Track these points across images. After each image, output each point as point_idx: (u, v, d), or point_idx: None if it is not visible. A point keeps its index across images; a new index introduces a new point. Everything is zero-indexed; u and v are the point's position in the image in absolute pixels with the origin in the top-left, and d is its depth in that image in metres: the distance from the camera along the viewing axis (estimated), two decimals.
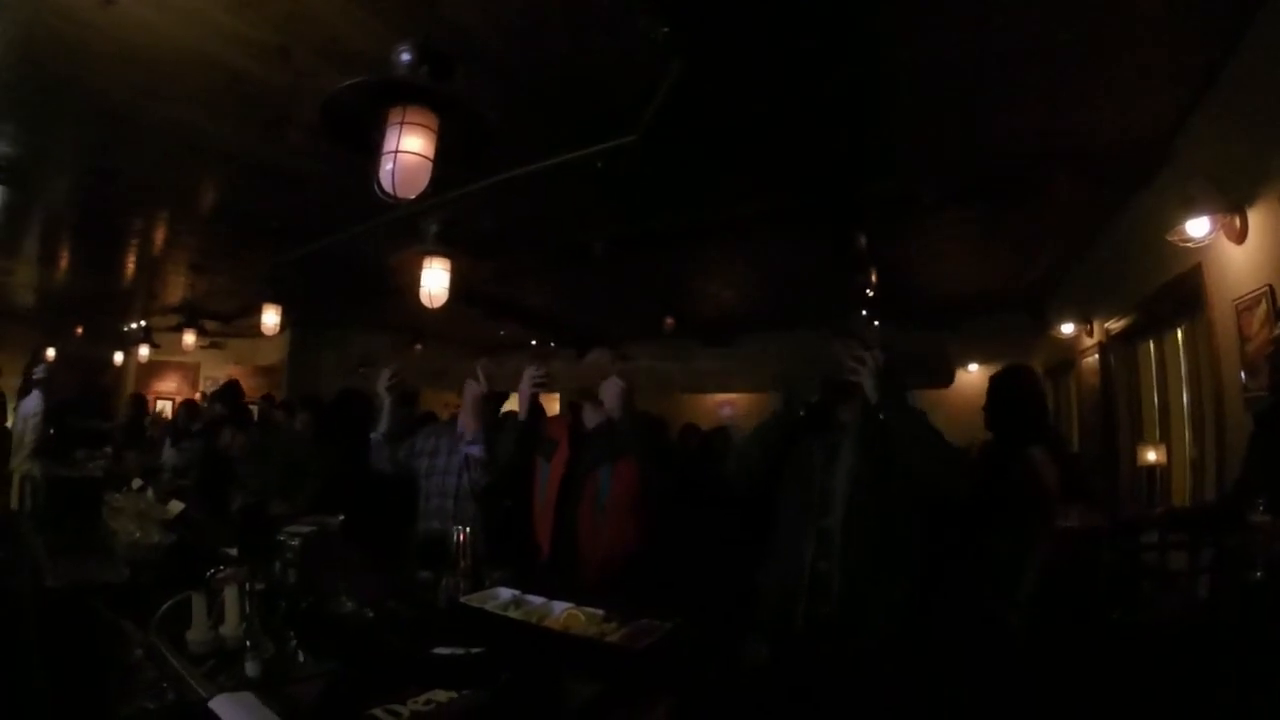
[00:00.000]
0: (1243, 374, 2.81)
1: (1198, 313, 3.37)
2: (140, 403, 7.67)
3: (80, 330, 8.59)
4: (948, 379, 1.91)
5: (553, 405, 3.64)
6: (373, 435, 2.72)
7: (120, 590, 1.64)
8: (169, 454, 5.39)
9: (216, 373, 9.19)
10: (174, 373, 9.80)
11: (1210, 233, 2.86)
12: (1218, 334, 3.05)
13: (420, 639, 1.35)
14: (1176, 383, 4.07)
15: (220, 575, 1.34)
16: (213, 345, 8.98)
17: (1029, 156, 3.48)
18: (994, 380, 2.73)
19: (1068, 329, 5.41)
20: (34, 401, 5.12)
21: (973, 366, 7.19)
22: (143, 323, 8.14)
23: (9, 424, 5.51)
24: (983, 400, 2.69)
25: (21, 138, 3.56)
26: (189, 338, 7.52)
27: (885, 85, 2.88)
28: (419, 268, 4.44)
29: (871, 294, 5.18)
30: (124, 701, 1.10)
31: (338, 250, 4.94)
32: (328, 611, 1.48)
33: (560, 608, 1.51)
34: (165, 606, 1.30)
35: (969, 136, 3.38)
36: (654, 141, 3.00)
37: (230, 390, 5.26)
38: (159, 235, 5.30)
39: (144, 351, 8.49)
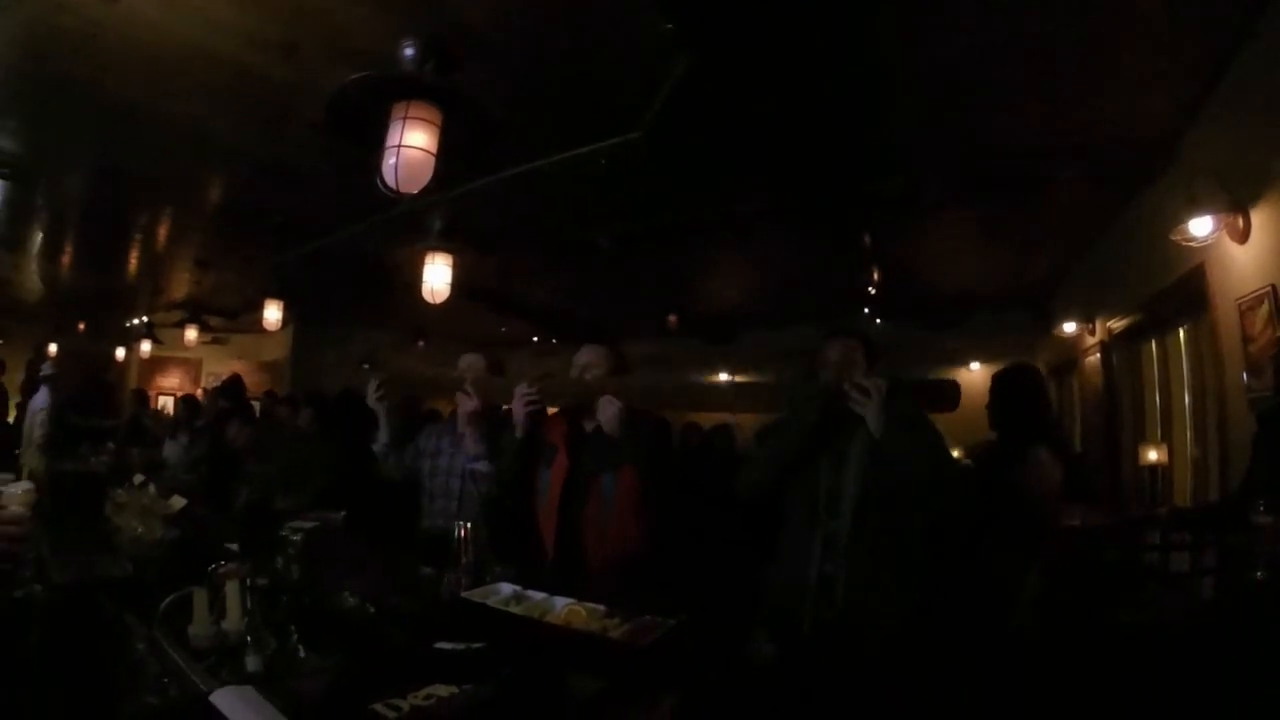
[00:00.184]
0: (1245, 374, 2.81)
1: (1200, 312, 3.36)
2: (142, 398, 7.71)
3: (83, 326, 8.61)
4: (953, 407, 1.89)
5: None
6: (375, 447, 2.61)
7: (123, 585, 1.64)
8: (169, 448, 5.40)
9: (219, 368, 9.19)
10: (176, 368, 9.82)
11: (1213, 232, 2.85)
12: (1220, 334, 3.04)
13: (422, 634, 1.35)
14: (1179, 382, 4.07)
15: (222, 570, 1.34)
16: (215, 341, 9.03)
17: (1032, 155, 3.47)
18: (998, 379, 2.72)
19: (1070, 328, 5.40)
20: (42, 398, 5.14)
21: (975, 365, 7.19)
22: (145, 318, 8.17)
23: (10, 420, 5.52)
24: (986, 399, 2.69)
25: (26, 134, 3.57)
26: (191, 333, 7.53)
27: (888, 84, 2.88)
28: (422, 264, 4.44)
29: (874, 292, 5.19)
30: (127, 696, 1.10)
31: (341, 246, 4.95)
32: (329, 607, 1.48)
33: (562, 603, 1.51)
34: (167, 601, 1.30)
35: (972, 135, 3.37)
36: (658, 139, 3.00)
37: (233, 385, 5.28)
38: (163, 231, 5.32)
39: (146, 347, 8.51)
